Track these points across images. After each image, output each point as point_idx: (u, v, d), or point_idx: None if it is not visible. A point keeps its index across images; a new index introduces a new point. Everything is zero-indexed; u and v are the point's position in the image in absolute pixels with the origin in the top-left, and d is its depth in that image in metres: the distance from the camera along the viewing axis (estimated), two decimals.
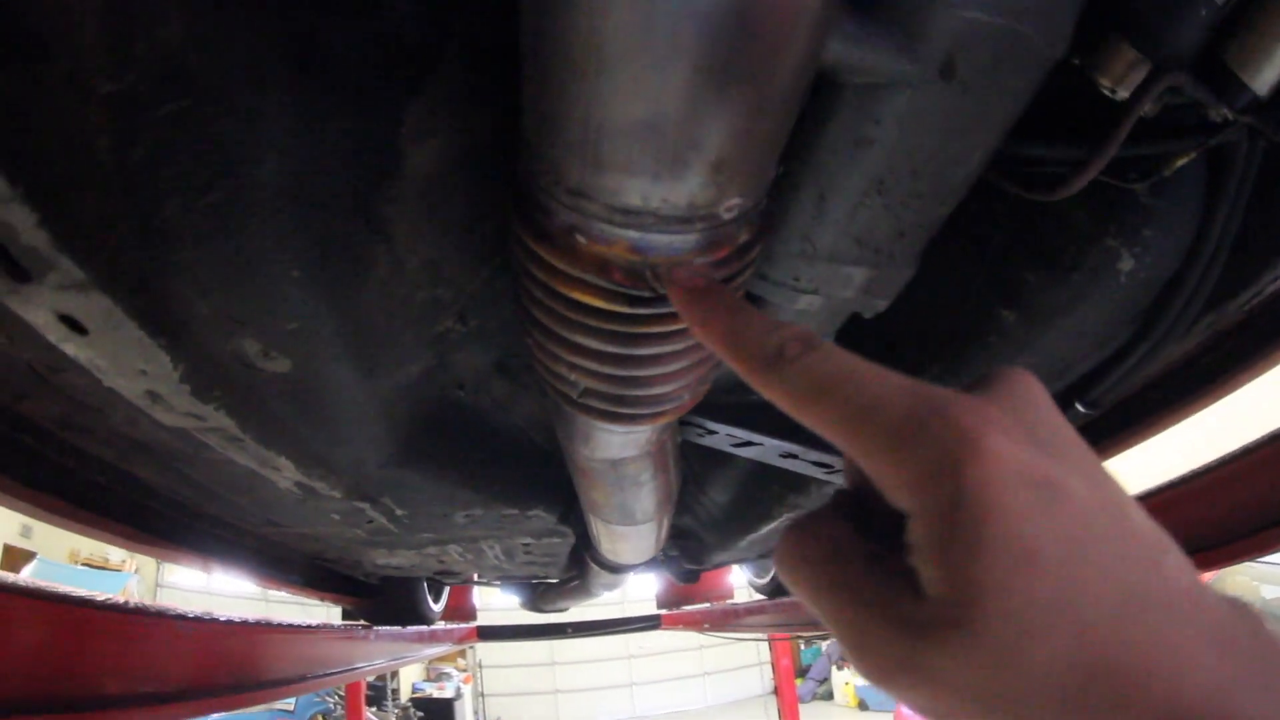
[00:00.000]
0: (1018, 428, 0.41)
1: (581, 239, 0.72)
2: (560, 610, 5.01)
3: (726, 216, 0.71)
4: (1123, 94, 0.90)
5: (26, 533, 11.13)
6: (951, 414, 0.40)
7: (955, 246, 1.28)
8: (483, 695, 19.02)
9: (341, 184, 0.85)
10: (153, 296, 0.82)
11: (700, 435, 1.57)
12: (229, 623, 2.26)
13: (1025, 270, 1.29)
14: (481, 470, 1.88)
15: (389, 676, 13.99)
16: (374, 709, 12.24)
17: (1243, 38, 0.91)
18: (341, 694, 9.87)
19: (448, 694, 15.41)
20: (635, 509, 1.78)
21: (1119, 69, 0.89)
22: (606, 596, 4.30)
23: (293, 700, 11.39)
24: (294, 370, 1.07)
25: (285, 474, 1.45)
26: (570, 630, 6.01)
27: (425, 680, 16.46)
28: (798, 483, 2.09)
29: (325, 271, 0.92)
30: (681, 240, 0.72)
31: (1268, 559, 5.89)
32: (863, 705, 16.13)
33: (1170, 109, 0.94)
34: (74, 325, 0.78)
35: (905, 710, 8.09)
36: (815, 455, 1.63)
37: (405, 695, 15.18)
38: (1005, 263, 1.32)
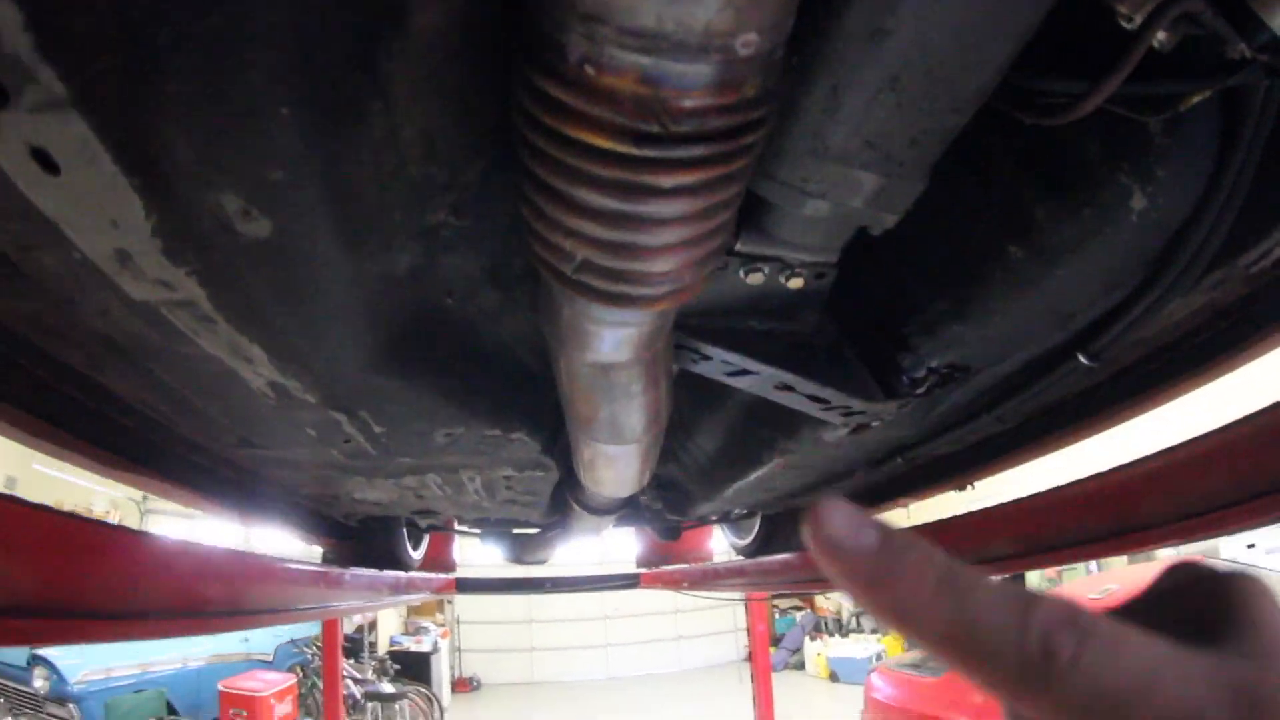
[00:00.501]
0: None
1: (591, 70, 0.70)
2: (540, 562, 4.99)
3: (742, 53, 0.68)
4: (1137, 20, 0.86)
5: (11, 484, 11.06)
6: None
7: (962, 178, 1.27)
8: (459, 650, 19.18)
9: (344, 28, 0.81)
10: (132, 127, 0.78)
11: (694, 361, 1.51)
12: (210, 551, 2.25)
13: (1035, 204, 1.26)
14: (465, 385, 1.80)
15: (366, 629, 14.04)
16: (351, 661, 12.27)
17: None
18: (319, 645, 9.88)
19: (425, 648, 15.46)
20: (624, 424, 1.69)
21: None
22: (586, 556, 4.29)
23: (271, 650, 11.43)
24: (274, 236, 1.00)
25: (259, 369, 1.40)
26: (549, 585, 6.02)
27: (403, 634, 16.55)
28: (789, 426, 2.04)
29: (317, 115, 0.87)
30: (694, 73, 0.69)
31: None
32: (834, 677, 16.24)
33: (1187, 45, 0.90)
34: (46, 162, 0.76)
35: (875, 681, 8.17)
36: (812, 387, 1.56)
37: (383, 648, 15.24)
38: (1014, 196, 1.28)
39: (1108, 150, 1.16)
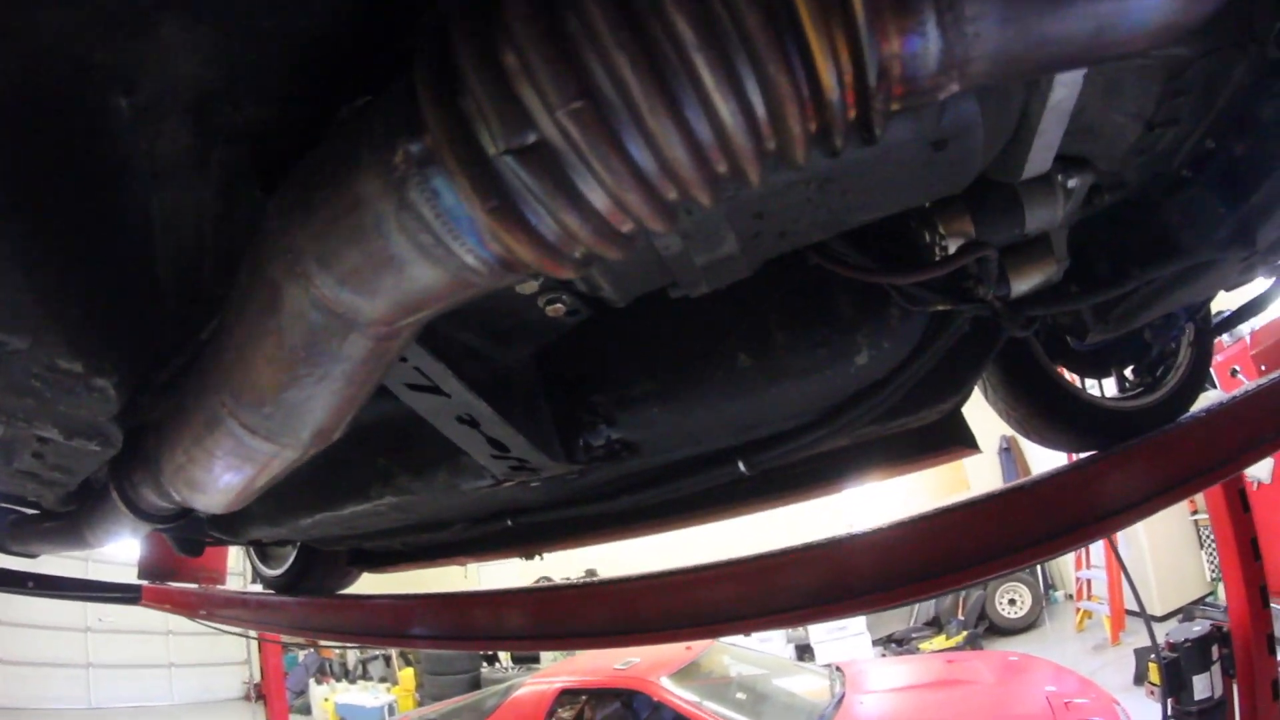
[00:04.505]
0: None
1: None
2: (30, 556, 4.14)
3: None
4: (951, 246, 1.33)
5: None
6: None
7: (715, 292, 1.36)
8: None
9: None
10: None
11: None
12: None
13: (779, 330, 1.51)
14: (61, 263, 1.22)
15: None
16: None
17: (1024, 256, 1.44)
18: None
19: None
20: (304, 418, 1.17)
21: (957, 228, 1.32)
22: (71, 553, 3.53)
23: None
24: None
25: None
26: (32, 584, 4.95)
27: None
28: (420, 463, 1.86)
29: None
30: None
31: (736, 641, 6.75)
32: None
33: (954, 275, 1.40)
34: None
35: None
36: (501, 430, 1.45)
37: None
38: (761, 318, 1.52)
39: (856, 312, 1.49)
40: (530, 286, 1.25)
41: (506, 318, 1.36)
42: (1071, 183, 1.31)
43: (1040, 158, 1.18)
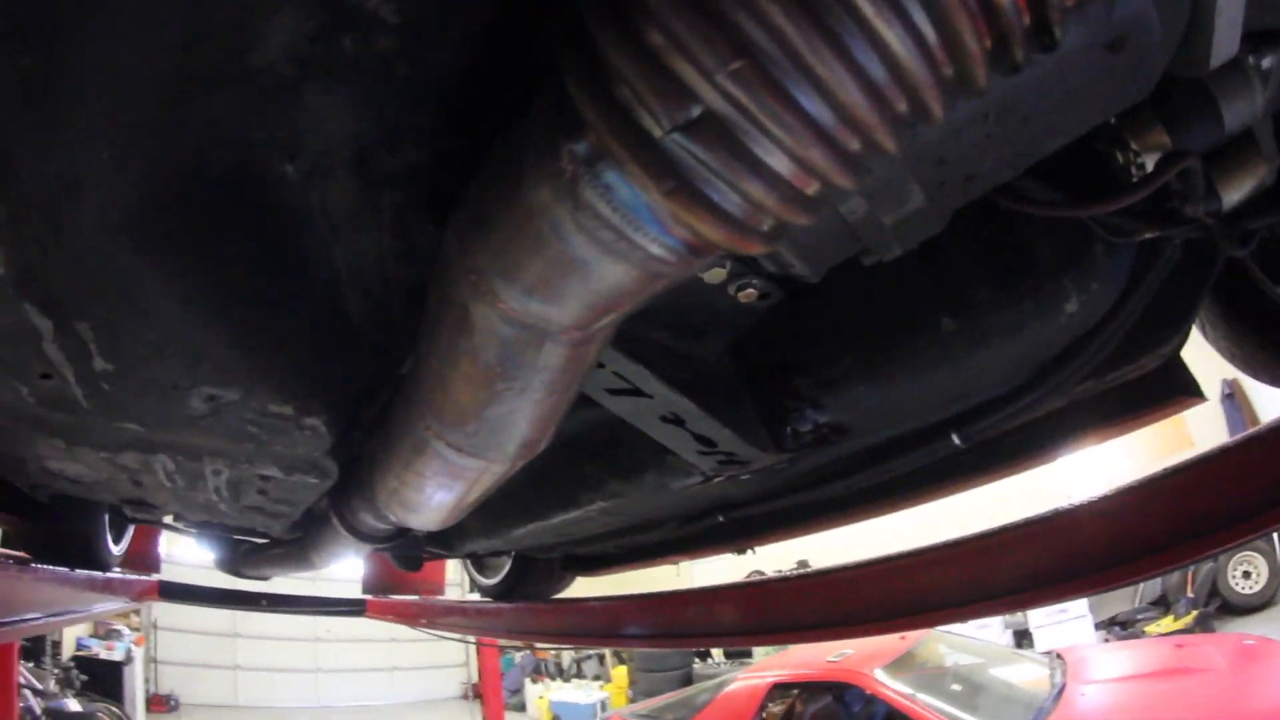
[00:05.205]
0: None
1: None
2: (262, 578, 4.46)
3: None
4: (1148, 163, 1.17)
5: None
6: None
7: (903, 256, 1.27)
8: (155, 661, 17.40)
9: None
10: None
11: None
12: None
13: (981, 286, 1.38)
14: (263, 320, 1.32)
15: None
16: (30, 665, 10.87)
17: (1228, 160, 1.25)
18: None
19: (117, 656, 13.89)
20: (510, 431, 1.18)
21: (1150, 141, 1.16)
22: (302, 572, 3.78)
23: None
24: None
25: None
26: (266, 601, 5.35)
27: (92, 635, 14.77)
28: (628, 466, 1.85)
29: None
30: None
31: (951, 628, 6.42)
32: None
33: (1157, 195, 1.18)
34: None
35: None
36: (707, 425, 1.43)
37: (68, 651, 13.61)
38: (960, 276, 1.40)
39: (1058, 256, 1.33)
40: (718, 274, 1.20)
41: (698, 311, 1.31)
42: (1266, 62, 1.13)
43: (1226, 40, 1.01)
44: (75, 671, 11.90)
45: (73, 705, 10.28)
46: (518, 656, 18.96)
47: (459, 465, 1.31)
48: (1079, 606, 10.64)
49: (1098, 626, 10.91)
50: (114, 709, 11.09)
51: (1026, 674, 6.80)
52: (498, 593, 4.31)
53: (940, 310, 1.41)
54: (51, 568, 2.96)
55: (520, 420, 1.16)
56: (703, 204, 0.69)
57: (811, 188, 0.70)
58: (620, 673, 16.29)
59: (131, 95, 0.95)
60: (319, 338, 1.40)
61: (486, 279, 0.88)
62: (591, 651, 18.12)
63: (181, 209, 1.11)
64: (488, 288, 0.89)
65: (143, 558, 4.84)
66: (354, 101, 1.00)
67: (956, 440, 1.65)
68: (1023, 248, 1.36)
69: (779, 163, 0.67)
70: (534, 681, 18.15)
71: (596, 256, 0.79)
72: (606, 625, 3.81)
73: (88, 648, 14.09)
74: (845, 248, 1.13)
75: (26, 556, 2.94)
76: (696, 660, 14.89)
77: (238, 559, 4.00)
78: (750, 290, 1.24)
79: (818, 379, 1.54)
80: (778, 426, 1.58)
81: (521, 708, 17.71)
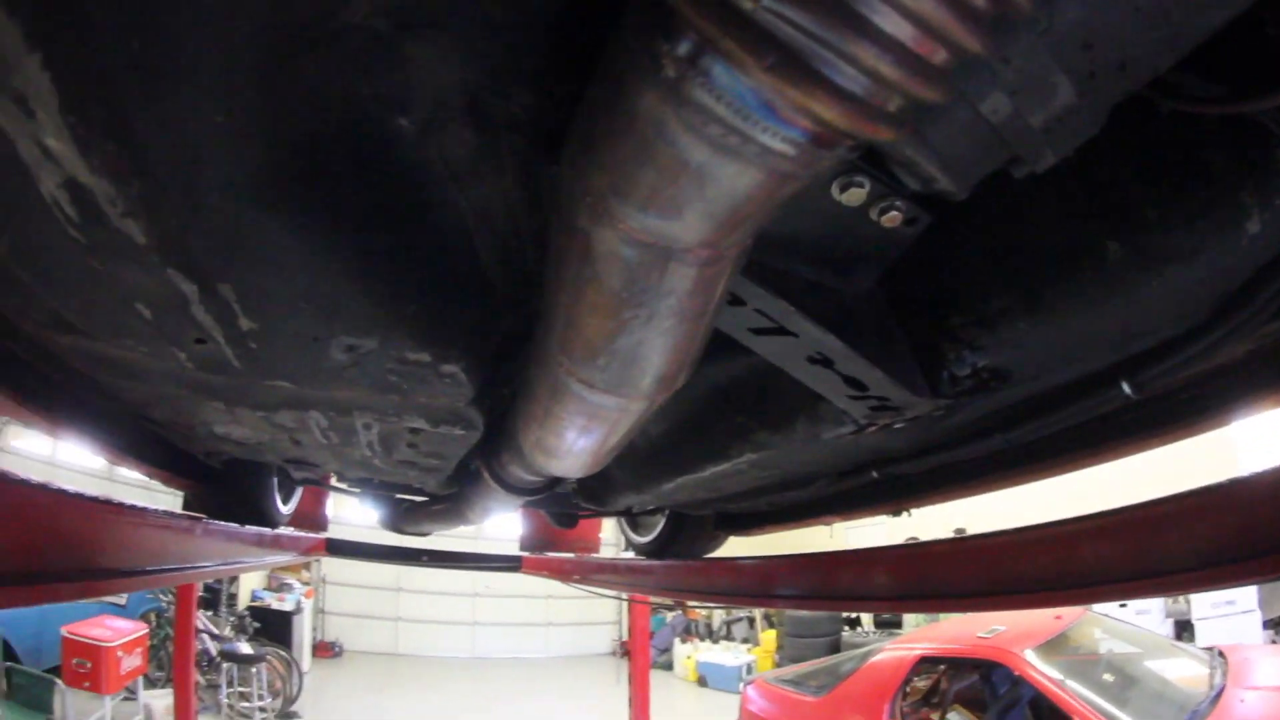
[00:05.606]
0: None
1: None
2: (422, 534, 4.61)
3: None
4: None
5: None
6: None
7: (1057, 167, 1.07)
8: (323, 612, 18.58)
9: None
10: None
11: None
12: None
13: (1148, 205, 1.17)
14: (389, 268, 1.33)
15: (226, 580, 13.34)
16: (209, 614, 11.67)
17: None
18: (175, 592, 9.22)
19: (287, 607, 14.83)
20: (644, 363, 1.16)
21: None
22: (461, 529, 3.90)
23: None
24: None
25: (48, 141, 1.01)
26: (426, 557, 5.60)
27: (266, 589, 15.86)
28: (777, 415, 1.76)
29: None
30: None
31: (1110, 611, 5.96)
32: (702, 681, 16.21)
33: None
34: None
35: (752, 694, 7.99)
36: (856, 366, 1.33)
37: (243, 602, 14.57)
38: (1122, 193, 1.19)
39: (1234, 165, 1.10)
40: (858, 194, 1.08)
41: (841, 240, 1.21)
42: None
43: None
44: (249, 619, 12.74)
45: (244, 648, 11.14)
46: (669, 616, 19.21)
47: (595, 404, 1.30)
48: (1248, 599, 9.71)
49: (1266, 625, 9.87)
50: (282, 653, 11.92)
51: (1184, 670, 6.25)
52: (650, 550, 4.31)
53: (1105, 234, 1.22)
54: (223, 523, 3.14)
55: (651, 352, 1.13)
56: (813, 79, 0.62)
57: (937, 55, 0.62)
58: (769, 637, 16.31)
59: (228, 60, 0.96)
60: (451, 287, 1.41)
61: (602, 200, 0.85)
62: (742, 614, 18.20)
63: (303, 169, 1.13)
64: (604, 209, 0.86)
65: (311, 518, 5.10)
66: (455, 49, 0.99)
67: (1128, 389, 1.44)
68: (1194, 159, 1.15)
69: (892, 24, 0.59)
70: (683, 641, 18.38)
71: (709, 157, 0.74)
72: (758, 585, 3.74)
73: (261, 599, 15.13)
74: (991, 156, 0.99)
75: (202, 517, 3.10)
76: (845, 628, 14.74)
77: (399, 517, 4.15)
78: (894, 213, 1.13)
79: (975, 316, 1.40)
80: (933, 370, 1.46)
81: (669, 666, 17.96)
